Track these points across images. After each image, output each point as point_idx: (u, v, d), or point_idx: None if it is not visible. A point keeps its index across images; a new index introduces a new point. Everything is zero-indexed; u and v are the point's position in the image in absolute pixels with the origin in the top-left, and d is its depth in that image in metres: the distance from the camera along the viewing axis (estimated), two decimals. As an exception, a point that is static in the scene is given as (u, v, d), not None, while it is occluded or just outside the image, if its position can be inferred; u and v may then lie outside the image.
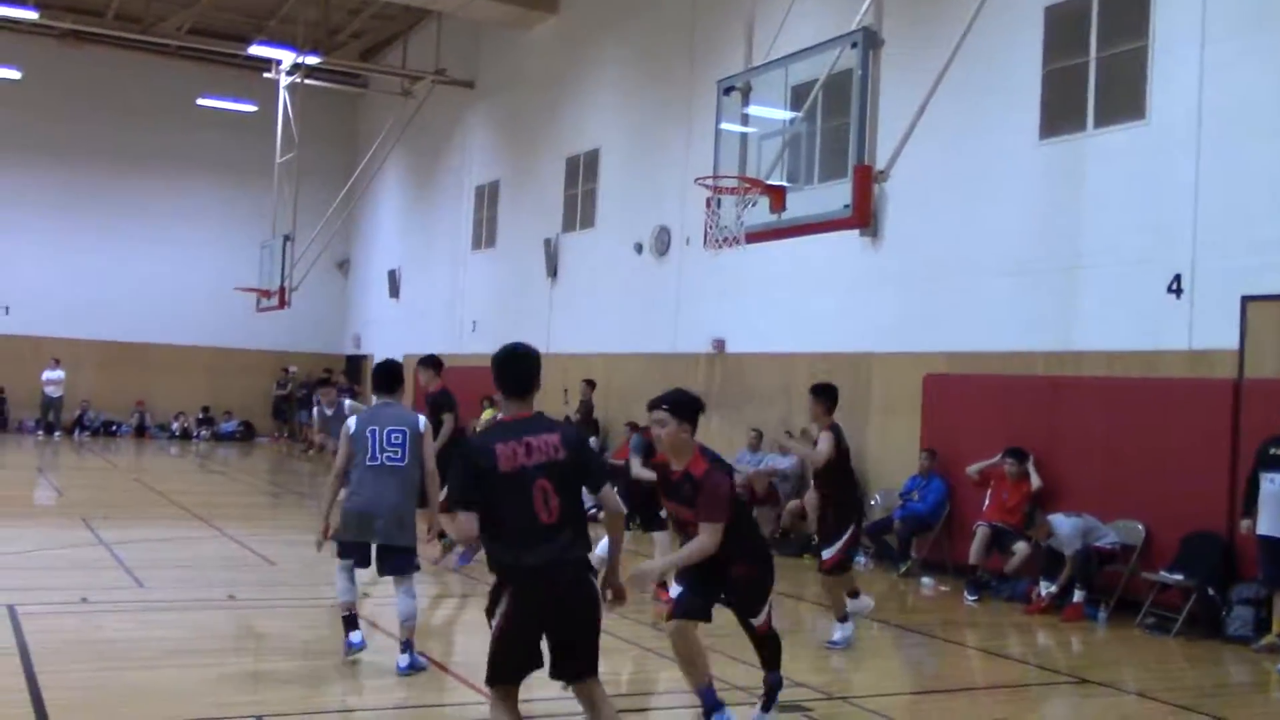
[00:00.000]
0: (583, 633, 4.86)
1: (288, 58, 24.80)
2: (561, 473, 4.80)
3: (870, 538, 13.22)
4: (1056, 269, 12.05)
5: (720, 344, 17.06)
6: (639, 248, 19.06)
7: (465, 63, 25.78)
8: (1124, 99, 11.49)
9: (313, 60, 24.86)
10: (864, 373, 14.22)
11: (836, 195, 9.73)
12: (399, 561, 7.38)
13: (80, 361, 28.92)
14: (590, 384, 18.96)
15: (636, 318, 19.07)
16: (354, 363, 31.02)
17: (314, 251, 24.44)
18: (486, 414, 21.57)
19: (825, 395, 8.69)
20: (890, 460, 13.83)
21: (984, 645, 9.49)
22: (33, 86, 28.50)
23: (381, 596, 8.59)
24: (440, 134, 27.01)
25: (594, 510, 5.22)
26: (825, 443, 8.49)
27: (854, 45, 9.43)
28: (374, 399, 7.96)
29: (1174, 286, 10.81)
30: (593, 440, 17.06)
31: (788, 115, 10.99)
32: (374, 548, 7.35)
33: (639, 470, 9.82)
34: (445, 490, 5.52)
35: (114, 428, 29.81)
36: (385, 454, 7.32)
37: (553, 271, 21.81)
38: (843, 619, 8.65)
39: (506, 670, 4.83)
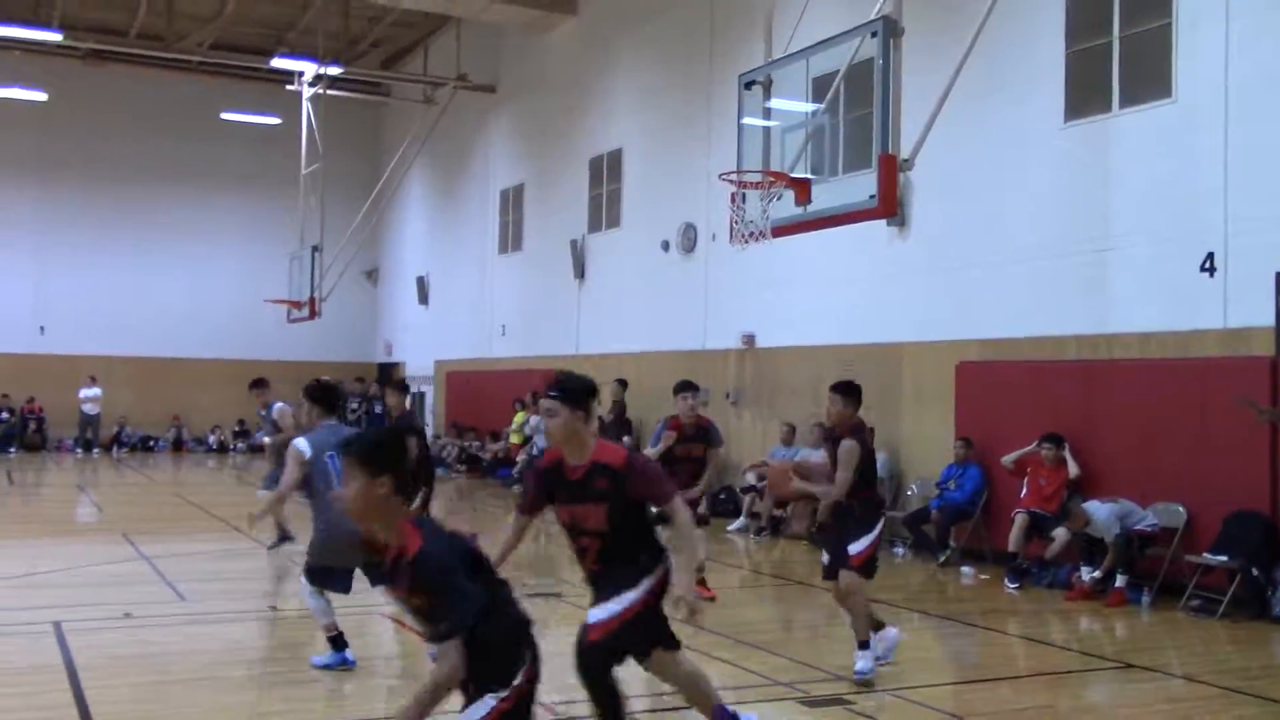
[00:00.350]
0: None
1: (309, 69, 24.93)
2: None
3: (908, 528, 13.19)
4: (1086, 252, 11.95)
5: (750, 339, 17.03)
6: (665, 246, 19.05)
7: (486, 67, 25.85)
8: (1149, 78, 11.39)
9: (334, 71, 25.01)
10: (895, 363, 14.17)
11: (862, 186, 9.67)
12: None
13: (116, 378, 29.25)
14: (623, 383, 18.94)
15: (665, 316, 19.05)
16: (385, 370, 31.14)
17: (342, 261, 24.55)
18: (518, 418, 21.63)
19: (850, 394, 7.62)
20: (924, 450, 13.78)
21: (1026, 633, 9.42)
22: (58, 107, 28.89)
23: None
24: (463, 139, 27.10)
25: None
26: (845, 470, 7.47)
27: (874, 34, 9.38)
28: (312, 413, 7.86)
29: (1206, 265, 10.72)
30: (626, 440, 17.05)
31: (810, 107, 10.96)
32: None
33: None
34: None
35: (151, 443, 30.14)
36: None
37: (580, 273, 21.83)
38: (864, 644, 7.41)
39: None
